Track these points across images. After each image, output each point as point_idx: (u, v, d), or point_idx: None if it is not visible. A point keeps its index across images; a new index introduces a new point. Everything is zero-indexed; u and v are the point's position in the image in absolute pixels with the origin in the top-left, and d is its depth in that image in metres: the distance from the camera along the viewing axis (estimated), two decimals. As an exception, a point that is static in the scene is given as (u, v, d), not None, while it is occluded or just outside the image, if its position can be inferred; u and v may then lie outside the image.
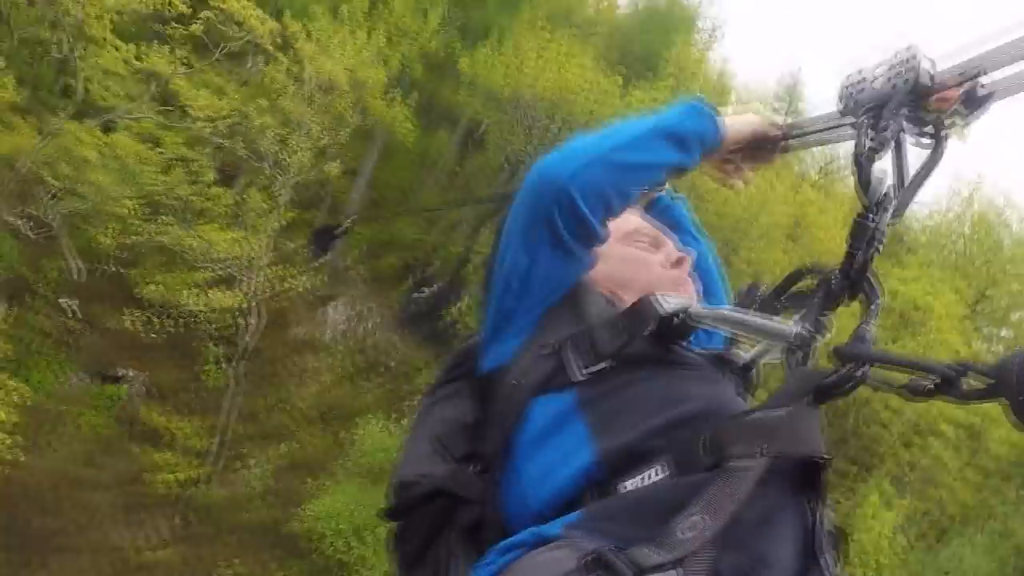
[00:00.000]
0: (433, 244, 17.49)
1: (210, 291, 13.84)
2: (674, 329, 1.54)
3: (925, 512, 20.66)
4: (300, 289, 15.42)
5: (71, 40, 14.36)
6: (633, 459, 1.34)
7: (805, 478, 1.34)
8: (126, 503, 13.76)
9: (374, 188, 21.58)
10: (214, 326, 14.94)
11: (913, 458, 20.44)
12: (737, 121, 1.77)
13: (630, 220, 1.84)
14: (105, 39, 14.67)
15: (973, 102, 1.46)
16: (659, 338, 1.53)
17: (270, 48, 16.64)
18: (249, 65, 17.54)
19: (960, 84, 1.47)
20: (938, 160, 1.52)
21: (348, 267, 19.28)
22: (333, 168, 15.62)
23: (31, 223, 14.31)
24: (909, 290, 21.59)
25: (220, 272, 14.29)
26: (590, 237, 1.60)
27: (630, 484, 1.31)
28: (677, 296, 1.59)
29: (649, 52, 24.54)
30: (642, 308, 1.54)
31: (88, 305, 16.17)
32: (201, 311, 13.81)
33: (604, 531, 1.22)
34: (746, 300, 1.69)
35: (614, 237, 1.81)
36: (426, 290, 20.06)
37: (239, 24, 16.37)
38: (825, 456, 1.31)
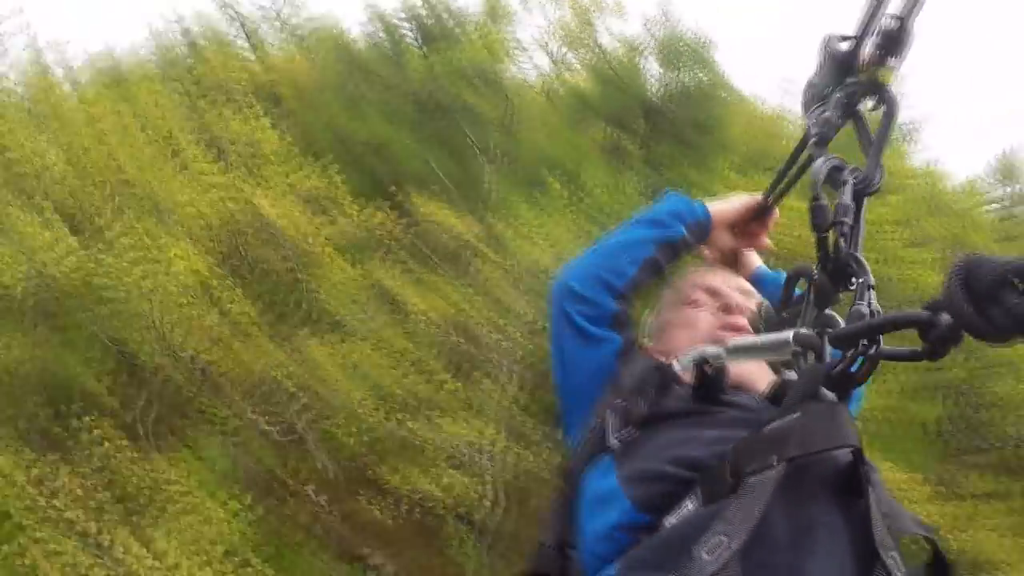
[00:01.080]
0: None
1: (448, 472, 14.51)
2: (709, 381, 1.57)
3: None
4: (542, 466, 15.80)
5: (295, 265, 16.05)
6: (664, 496, 1.41)
7: (848, 478, 1.33)
8: None
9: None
10: (456, 511, 15.54)
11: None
12: (722, 201, 1.95)
13: (701, 284, 1.98)
14: (330, 258, 16.38)
15: (891, 39, 1.50)
16: (697, 393, 1.59)
17: (482, 248, 17.96)
18: (468, 267, 19.04)
19: (868, 32, 1.53)
20: (892, 114, 1.55)
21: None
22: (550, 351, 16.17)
23: (280, 430, 15.79)
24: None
25: (456, 457, 15.01)
26: (601, 317, 1.76)
27: (672, 519, 1.36)
28: (702, 347, 1.61)
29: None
30: (660, 370, 1.63)
31: (336, 498, 17.29)
32: (437, 495, 14.46)
33: (636, 571, 1.32)
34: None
35: (669, 305, 1.98)
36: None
37: (447, 232, 17.91)
38: (851, 446, 1.30)
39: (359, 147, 24.20)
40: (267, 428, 16.08)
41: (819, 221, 1.44)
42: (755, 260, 2.55)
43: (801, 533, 1.25)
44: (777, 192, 2.36)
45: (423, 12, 26.49)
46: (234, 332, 15.48)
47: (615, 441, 1.55)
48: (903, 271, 16.29)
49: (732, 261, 2.54)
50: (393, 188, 21.45)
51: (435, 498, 15.22)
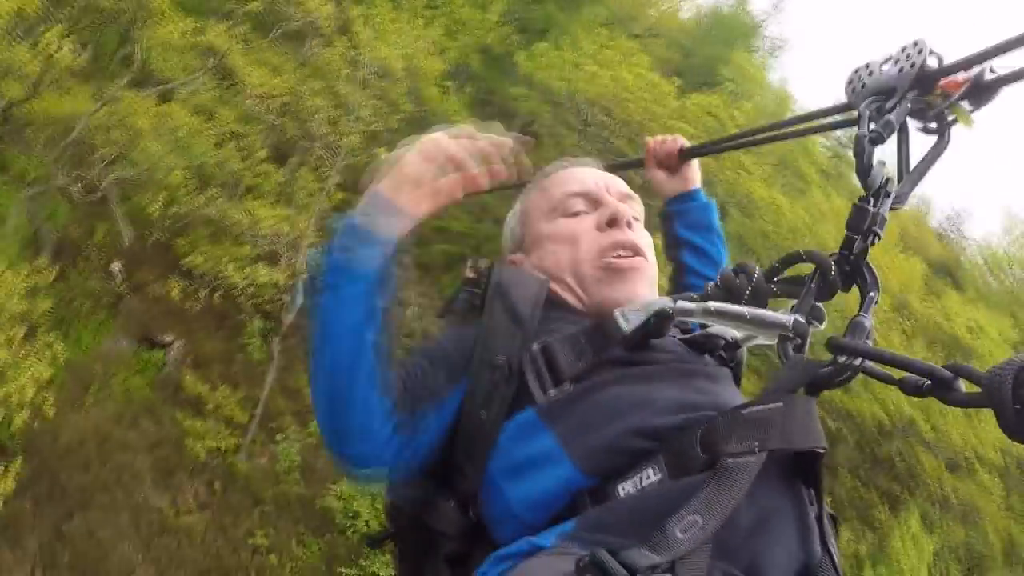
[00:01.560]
0: (485, 235, 17.64)
1: (255, 265, 14.04)
2: (647, 334, 1.48)
3: (966, 542, 20.24)
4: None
5: (133, 10, 14.66)
6: (617, 461, 1.30)
7: (802, 471, 1.31)
8: (163, 466, 14.09)
9: (425, 175, 21.63)
10: (257, 300, 15.20)
11: (956, 486, 19.99)
12: (403, 175, 1.44)
13: (562, 185, 1.75)
14: (165, 12, 15.02)
15: (979, 88, 1.47)
16: (630, 346, 1.47)
17: (328, 31, 16.94)
18: (306, 47, 17.85)
19: (966, 69, 1.47)
20: (942, 149, 1.52)
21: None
22: (383, 152, 15.80)
23: (82, 187, 14.71)
24: (965, 312, 21.14)
25: (265, 248, 14.53)
26: (383, 441, 1.35)
27: (628, 486, 1.27)
28: (647, 300, 1.53)
29: (709, 59, 24.44)
30: (604, 328, 1.48)
31: (134, 271, 16.58)
32: (245, 285, 14.04)
33: (597, 539, 1.19)
34: (735, 286, 1.61)
35: (541, 213, 1.73)
36: (472, 282, 20.16)
37: (299, 5, 16.76)
38: (824, 448, 1.28)
39: None
40: (67, 185, 14.80)
41: (858, 223, 1.43)
42: (696, 175, 2.46)
43: (760, 519, 1.23)
44: (792, 130, 2.24)
45: None
46: (50, 77, 13.95)
47: (544, 397, 1.39)
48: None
49: (673, 166, 2.44)
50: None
51: (236, 286, 14.86)
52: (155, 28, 15.11)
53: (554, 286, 1.62)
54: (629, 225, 1.68)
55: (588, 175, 1.78)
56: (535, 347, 1.43)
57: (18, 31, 13.41)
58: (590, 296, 1.62)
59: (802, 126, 2.14)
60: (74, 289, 15.32)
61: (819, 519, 1.30)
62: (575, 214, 1.70)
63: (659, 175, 2.46)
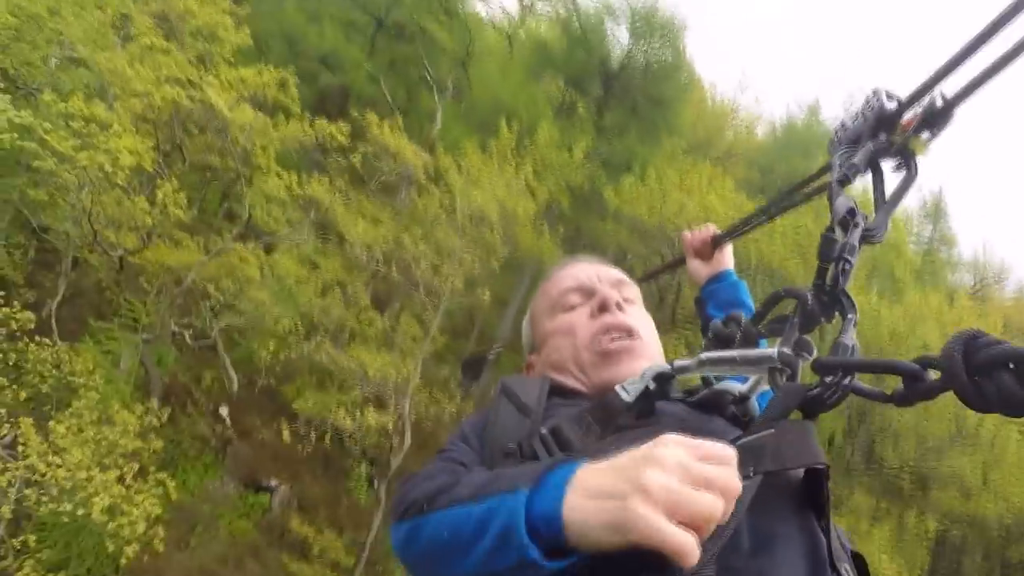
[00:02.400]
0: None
1: (364, 409, 14.36)
2: (651, 398, 1.52)
3: None
4: (448, 414, 15.81)
5: (238, 167, 15.57)
6: None
7: (809, 494, 1.35)
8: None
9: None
10: (362, 445, 15.43)
11: None
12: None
13: (559, 283, 1.84)
14: (269, 167, 15.86)
15: (934, 116, 1.60)
16: (637, 414, 1.51)
17: (423, 180, 17.69)
18: (403, 196, 18.59)
19: (918, 101, 1.61)
20: (911, 180, 1.64)
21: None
22: (483, 296, 16.20)
23: (192, 333, 15.33)
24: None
25: (370, 393, 14.86)
26: None
27: None
28: (654, 366, 1.55)
29: (790, 173, 24.62)
30: (608, 403, 1.51)
31: (241, 416, 17.03)
32: (353, 429, 14.34)
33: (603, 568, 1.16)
34: (725, 334, 1.71)
35: (544, 313, 1.85)
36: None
37: (394, 157, 17.60)
38: (821, 464, 1.30)
39: (312, 58, 23.33)
40: (179, 330, 15.54)
41: (827, 252, 1.51)
42: (728, 259, 2.64)
43: (763, 542, 1.26)
44: (779, 207, 2.54)
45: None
46: (163, 229, 14.86)
47: None
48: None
49: (707, 253, 2.63)
50: (344, 105, 20.92)
51: (345, 430, 15.38)
52: (260, 183, 15.98)
53: (559, 377, 1.69)
54: (620, 307, 1.74)
55: (581, 269, 1.86)
56: (544, 430, 1.46)
57: (134, 186, 14.31)
58: (591, 380, 1.67)
59: (806, 190, 2.32)
60: (183, 432, 15.82)
61: (828, 539, 1.31)
62: (572, 307, 1.78)
63: (695, 264, 2.63)
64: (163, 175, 15.28)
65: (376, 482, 15.97)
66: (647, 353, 1.72)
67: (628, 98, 23.89)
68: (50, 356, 12.48)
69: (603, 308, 1.73)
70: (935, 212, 31.86)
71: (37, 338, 12.51)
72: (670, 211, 18.76)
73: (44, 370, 12.31)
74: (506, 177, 17.56)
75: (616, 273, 1.89)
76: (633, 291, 1.87)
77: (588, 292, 1.79)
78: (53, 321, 13.60)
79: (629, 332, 1.71)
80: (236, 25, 17.10)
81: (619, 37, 24.46)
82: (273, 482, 16.47)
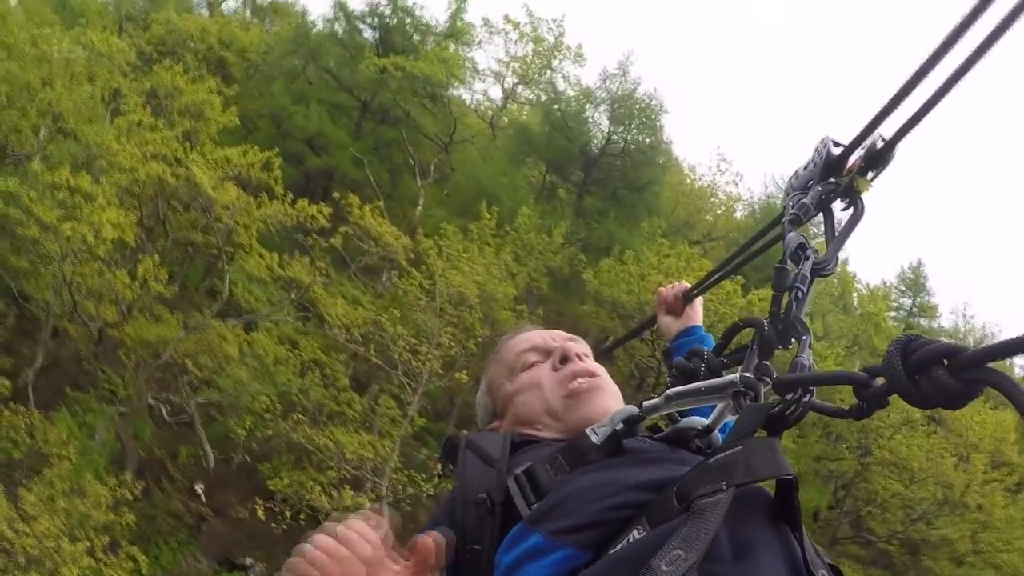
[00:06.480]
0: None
1: (338, 490, 14.19)
2: (619, 438, 1.56)
3: None
4: (427, 495, 15.62)
5: (220, 245, 15.65)
6: (605, 532, 1.38)
7: (782, 507, 1.41)
8: None
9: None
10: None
11: None
12: None
13: (513, 348, 1.90)
14: (251, 246, 16.06)
15: (875, 157, 1.73)
16: (605, 452, 1.55)
17: (403, 263, 17.80)
18: (384, 278, 18.66)
19: (860, 144, 1.74)
20: (858, 218, 1.76)
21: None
22: (462, 378, 16.18)
23: (169, 408, 15.19)
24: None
25: (348, 473, 14.71)
26: None
27: (618, 549, 1.35)
28: (616, 412, 1.60)
29: (769, 254, 24.91)
30: (578, 444, 1.56)
31: (216, 492, 16.74)
32: (327, 509, 14.15)
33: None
34: (690, 368, 1.83)
35: (503, 378, 1.93)
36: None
37: (375, 240, 17.75)
38: (790, 475, 1.37)
39: (298, 139, 23.67)
40: (156, 404, 15.37)
41: (781, 282, 1.64)
42: (698, 315, 2.74)
43: (744, 548, 1.31)
44: (739, 260, 2.73)
45: (387, 14, 26.30)
46: (142, 303, 14.84)
47: (530, 511, 1.47)
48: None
49: (678, 308, 2.73)
50: (328, 186, 21.12)
51: (321, 509, 15.09)
52: (241, 261, 16.07)
53: (528, 431, 1.73)
54: (580, 357, 1.81)
55: (532, 333, 1.93)
56: (519, 471, 1.51)
57: (116, 259, 14.39)
58: (566, 423, 1.70)
59: (763, 240, 2.56)
60: (157, 507, 15.51)
61: (802, 547, 1.36)
62: (532, 365, 1.83)
63: (666, 320, 2.72)
64: (145, 249, 15.35)
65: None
66: (613, 391, 1.79)
67: (608, 182, 24.34)
68: (24, 423, 12.35)
69: (565, 359, 1.79)
70: (915, 283, 32.51)
71: (12, 404, 12.40)
72: (648, 293, 18.92)
73: (17, 436, 12.17)
74: (486, 260, 17.70)
75: (565, 333, 1.96)
76: (585, 346, 1.92)
77: (545, 351, 1.85)
78: (30, 389, 13.47)
79: (593, 374, 1.77)
80: (224, 105, 17.39)
81: (599, 122, 25.00)
82: (248, 560, 16.11)
